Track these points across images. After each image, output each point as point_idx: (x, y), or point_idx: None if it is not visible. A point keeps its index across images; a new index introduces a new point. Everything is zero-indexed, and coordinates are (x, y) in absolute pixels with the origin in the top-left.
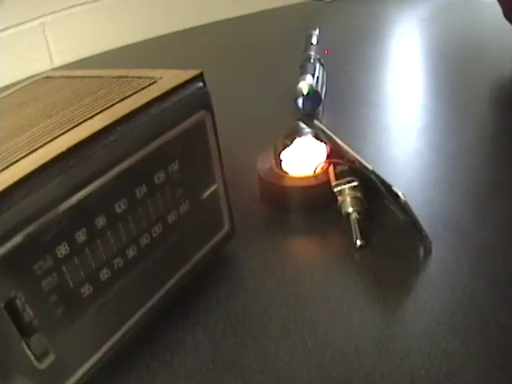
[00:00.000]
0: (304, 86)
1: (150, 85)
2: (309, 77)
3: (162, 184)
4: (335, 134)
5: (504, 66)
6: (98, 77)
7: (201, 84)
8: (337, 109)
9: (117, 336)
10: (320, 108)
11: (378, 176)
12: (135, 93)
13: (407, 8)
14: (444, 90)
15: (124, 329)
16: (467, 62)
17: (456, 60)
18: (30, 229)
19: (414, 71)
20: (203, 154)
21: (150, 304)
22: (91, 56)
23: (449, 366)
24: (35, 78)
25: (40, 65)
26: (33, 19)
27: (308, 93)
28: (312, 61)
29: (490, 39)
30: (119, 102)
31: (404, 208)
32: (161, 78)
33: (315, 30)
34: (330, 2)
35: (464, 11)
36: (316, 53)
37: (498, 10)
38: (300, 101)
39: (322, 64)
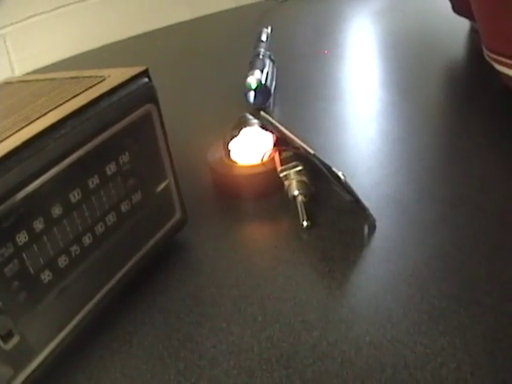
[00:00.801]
0: (252, 80)
1: (99, 82)
2: (257, 72)
3: (114, 175)
4: (286, 125)
5: (455, 57)
6: (52, 79)
7: (146, 79)
8: (288, 102)
9: (77, 318)
10: (270, 101)
11: (319, 159)
12: (85, 90)
13: (359, 4)
14: (396, 80)
15: (84, 312)
16: (419, 53)
17: (408, 51)
18: None
19: (366, 64)
20: (152, 145)
21: (107, 288)
22: (51, 64)
23: (393, 332)
24: None
25: (2, 75)
26: None
27: (256, 87)
28: (261, 57)
29: (440, 31)
30: (71, 99)
31: (346, 188)
32: (109, 76)
33: (266, 28)
34: (283, 1)
35: (415, 4)
36: (266, 49)
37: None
38: (250, 95)
39: (272, 60)
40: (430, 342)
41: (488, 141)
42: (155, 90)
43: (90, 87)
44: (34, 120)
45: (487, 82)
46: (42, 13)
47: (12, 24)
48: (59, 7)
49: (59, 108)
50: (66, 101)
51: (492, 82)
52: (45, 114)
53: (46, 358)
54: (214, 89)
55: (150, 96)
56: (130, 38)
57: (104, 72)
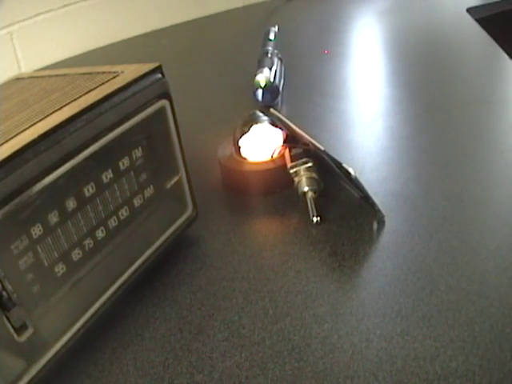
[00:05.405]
0: (261, 78)
1: (112, 78)
2: (266, 70)
3: (127, 169)
4: (293, 122)
5: (461, 55)
6: (65, 75)
7: (159, 75)
8: (296, 100)
9: (90, 312)
10: (279, 99)
11: (329, 155)
12: (99, 85)
13: (364, 4)
14: (401, 78)
15: (96, 305)
16: (424, 52)
17: (413, 50)
18: (8, 208)
19: (372, 62)
20: (165, 140)
21: (120, 282)
22: (58, 62)
23: (402, 325)
24: (6, 80)
25: (9, 72)
26: (0, 29)
27: (265, 85)
28: (269, 55)
29: (446, 29)
30: (85, 94)
31: (355, 184)
32: (122, 72)
33: (274, 26)
34: (289, 0)
35: (420, 3)
36: (274, 48)
37: (454, 1)
38: (259, 93)
39: (280, 58)
40: (439, 335)
41: (494, 140)
42: (168, 85)
43: (104, 82)
44: (50, 114)
45: (494, 79)
46: (49, 10)
47: (19, 21)
48: (66, 5)
49: (74, 103)
50: (81, 96)
51: (500, 80)
52: (60, 108)
53: (58, 351)
54: (220, 86)
55: (163, 92)
56: (137, 37)
57: (117, 68)
